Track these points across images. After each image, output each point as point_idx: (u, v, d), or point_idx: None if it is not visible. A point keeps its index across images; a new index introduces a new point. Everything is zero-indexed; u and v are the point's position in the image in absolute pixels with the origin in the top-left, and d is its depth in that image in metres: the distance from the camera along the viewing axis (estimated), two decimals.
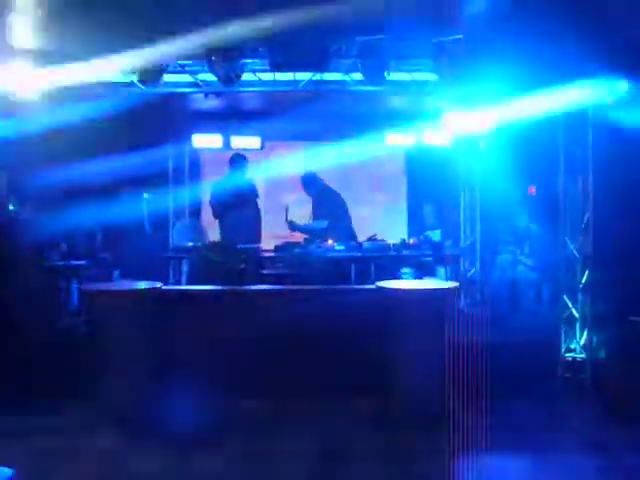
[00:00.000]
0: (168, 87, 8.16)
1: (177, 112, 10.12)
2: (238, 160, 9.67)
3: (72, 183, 8.76)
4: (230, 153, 9.92)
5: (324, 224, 9.67)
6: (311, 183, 10.01)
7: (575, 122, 7.99)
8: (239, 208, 9.50)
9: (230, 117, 10.38)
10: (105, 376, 6.50)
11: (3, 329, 7.20)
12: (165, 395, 6.33)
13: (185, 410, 6.17)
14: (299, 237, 9.85)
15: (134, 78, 7.91)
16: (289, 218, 9.75)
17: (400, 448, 5.89)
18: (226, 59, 7.38)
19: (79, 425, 6.32)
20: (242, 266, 7.99)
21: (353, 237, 9.79)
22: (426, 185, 10.97)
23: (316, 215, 9.93)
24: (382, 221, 10.98)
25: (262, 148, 10.16)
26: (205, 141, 10.07)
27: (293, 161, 10.74)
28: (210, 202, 9.77)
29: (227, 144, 9.97)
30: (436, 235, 9.91)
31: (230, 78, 7.57)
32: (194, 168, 11.36)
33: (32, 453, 5.66)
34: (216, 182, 9.95)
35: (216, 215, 9.72)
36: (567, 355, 7.96)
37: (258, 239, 9.51)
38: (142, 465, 5.60)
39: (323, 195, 10.03)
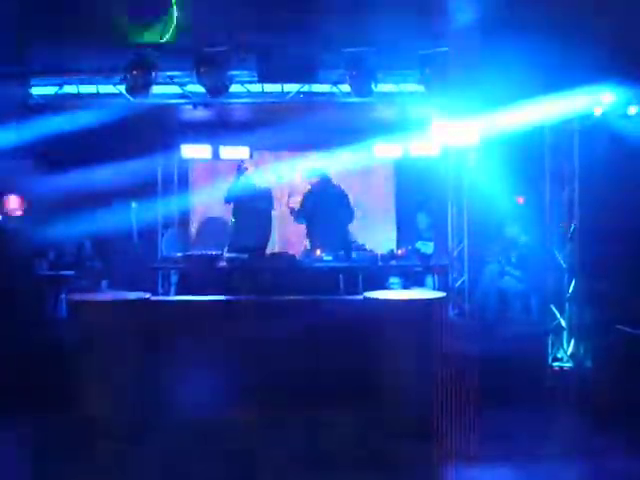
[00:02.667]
0: (157, 98, 8.15)
1: (166, 122, 10.13)
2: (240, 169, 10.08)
3: (61, 193, 8.76)
4: (218, 163, 10.05)
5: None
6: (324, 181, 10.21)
7: (561, 132, 8.06)
8: (252, 213, 9.75)
9: (219, 127, 10.38)
10: (90, 387, 6.50)
11: None
12: (151, 406, 6.35)
13: (171, 420, 6.19)
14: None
15: (122, 89, 7.92)
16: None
17: (387, 456, 5.89)
18: (214, 71, 7.40)
19: (63, 435, 6.30)
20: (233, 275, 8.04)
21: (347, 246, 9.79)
22: (415, 196, 10.98)
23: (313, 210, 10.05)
24: (371, 232, 10.97)
25: (251, 158, 10.17)
26: (194, 151, 10.06)
27: (282, 171, 10.81)
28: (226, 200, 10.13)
29: (216, 154, 9.97)
30: (428, 247, 9.91)
31: (218, 89, 7.60)
32: (183, 178, 11.35)
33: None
34: (234, 183, 10.16)
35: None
36: (554, 364, 8.00)
37: (264, 246, 9.68)
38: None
39: (332, 192, 10.15)
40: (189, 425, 6.22)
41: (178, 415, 6.30)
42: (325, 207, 9.93)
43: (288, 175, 10.84)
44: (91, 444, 6.06)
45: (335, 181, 10.32)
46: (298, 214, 10.21)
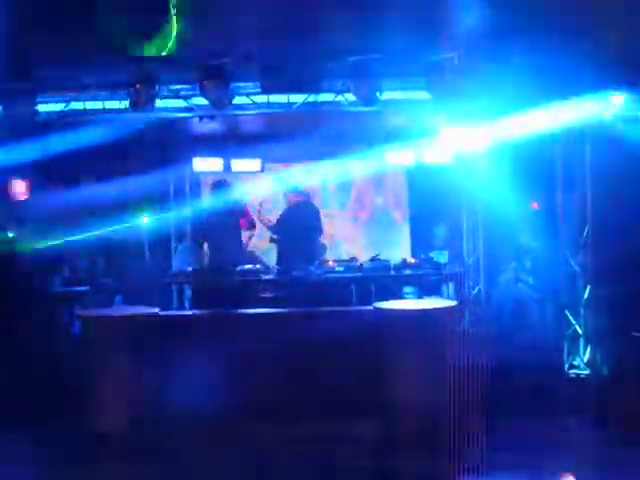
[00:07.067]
0: (161, 112, 8.16)
1: (177, 136, 10.15)
2: (221, 186, 9.93)
3: (73, 208, 8.80)
4: (230, 176, 10.04)
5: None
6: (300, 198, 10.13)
7: (572, 138, 7.98)
8: (223, 230, 9.62)
9: (230, 140, 10.37)
10: (103, 402, 6.51)
11: (4, 356, 7.24)
12: (161, 419, 6.33)
13: (182, 435, 6.16)
14: None
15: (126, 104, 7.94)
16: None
17: (399, 468, 5.82)
18: (217, 83, 7.39)
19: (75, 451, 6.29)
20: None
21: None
22: (428, 204, 10.90)
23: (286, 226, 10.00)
24: (385, 241, 10.92)
25: (262, 170, 10.14)
26: (205, 165, 10.05)
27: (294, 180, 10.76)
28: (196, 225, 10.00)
29: (227, 167, 9.95)
30: (443, 256, 9.81)
31: (222, 102, 7.59)
32: (195, 192, 11.36)
33: None
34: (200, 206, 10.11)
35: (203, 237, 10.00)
36: (571, 372, 7.89)
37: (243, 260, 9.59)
38: None
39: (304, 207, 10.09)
40: (199, 437, 6.19)
41: (188, 428, 6.27)
42: (297, 223, 9.87)
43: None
44: (102, 460, 6.06)
45: (348, 189, 10.30)
46: (273, 229, 10.22)
